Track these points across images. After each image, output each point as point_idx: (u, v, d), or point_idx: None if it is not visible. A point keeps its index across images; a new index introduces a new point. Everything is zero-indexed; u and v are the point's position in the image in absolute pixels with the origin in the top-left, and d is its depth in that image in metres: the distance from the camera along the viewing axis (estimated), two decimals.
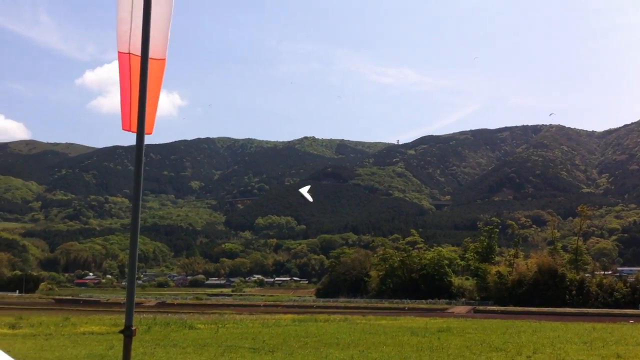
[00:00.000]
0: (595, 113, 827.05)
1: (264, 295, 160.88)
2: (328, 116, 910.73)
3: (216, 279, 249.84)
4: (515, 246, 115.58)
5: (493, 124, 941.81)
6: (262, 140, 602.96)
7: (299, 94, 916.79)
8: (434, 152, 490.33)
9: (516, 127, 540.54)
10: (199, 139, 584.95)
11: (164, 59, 6.52)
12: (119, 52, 6.53)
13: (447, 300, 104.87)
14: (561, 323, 50.00)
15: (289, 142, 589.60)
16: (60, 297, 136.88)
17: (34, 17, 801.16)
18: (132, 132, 6.61)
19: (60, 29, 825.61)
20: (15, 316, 48.58)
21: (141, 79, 6.72)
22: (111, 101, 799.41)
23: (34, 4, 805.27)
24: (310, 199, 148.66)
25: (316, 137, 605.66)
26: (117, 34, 6.50)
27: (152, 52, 6.51)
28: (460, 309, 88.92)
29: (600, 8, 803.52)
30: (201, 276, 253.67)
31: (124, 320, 6.76)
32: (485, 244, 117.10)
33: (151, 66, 6.51)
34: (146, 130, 6.65)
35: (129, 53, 6.49)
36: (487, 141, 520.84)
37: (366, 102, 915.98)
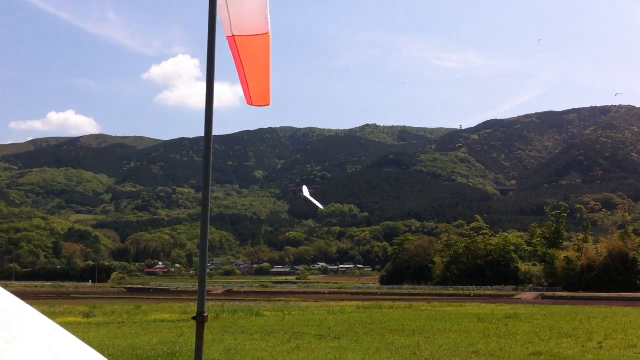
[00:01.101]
0: None
1: (328, 283, 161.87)
2: (389, 103, 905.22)
3: (281, 267, 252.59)
4: (584, 231, 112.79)
5: (559, 106, 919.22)
6: (324, 129, 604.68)
7: (359, 81, 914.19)
8: (499, 136, 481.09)
9: (584, 108, 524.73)
10: (261, 129, 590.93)
11: (268, 33, 6.71)
12: (226, 37, 6.81)
13: (514, 287, 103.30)
14: (633, 308, 48.59)
15: (350, 130, 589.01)
16: (132, 286, 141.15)
17: (102, 14, 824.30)
18: (254, 105, 6.98)
19: (127, 26, 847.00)
20: (89, 305, 50.36)
21: (207, 81, 6.98)
22: (177, 94, 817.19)
23: (101, 3, 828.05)
24: (320, 205, 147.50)
25: (378, 124, 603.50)
26: (220, 20, 6.76)
27: (253, 29, 6.73)
28: (528, 295, 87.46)
29: None
30: (266, 264, 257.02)
31: (193, 308, 7.04)
32: (552, 229, 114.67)
33: (256, 42, 6.74)
34: (264, 102, 6.99)
35: (233, 35, 6.76)
36: (553, 124, 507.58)
37: (428, 87, 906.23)
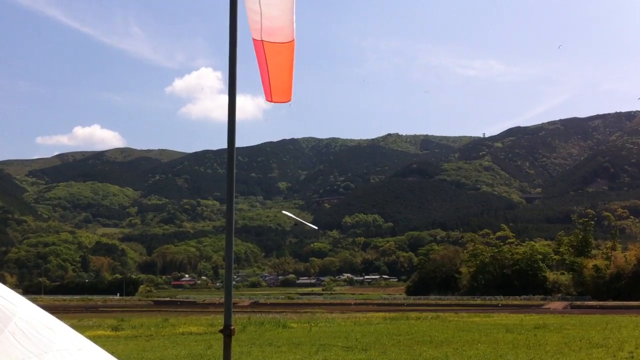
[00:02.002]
0: None
1: (354, 294, 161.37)
2: (411, 112, 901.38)
3: (306, 278, 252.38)
4: (612, 238, 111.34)
5: (584, 112, 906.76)
6: (346, 139, 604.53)
7: (381, 90, 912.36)
8: (523, 143, 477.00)
9: (609, 114, 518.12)
10: (284, 140, 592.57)
11: (293, 40, 7.26)
12: (253, 39, 7.28)
13: (542, 296, 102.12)
14: None
15: (372, 139, 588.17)
16: (159, 299, 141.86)
17: (126, 29, 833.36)
18: (274, 102, 7.65)
19: (150, 39, 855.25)
20: (117, 318, 50.70)
21: (230, 96, 7.02)
22: (200, 107, 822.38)
23: (125, 17, 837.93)
24: (312, 226, 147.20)
25: (400, 133, 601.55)
26: (248, 23, 7.22)
27: (283, 37, 7.23)
28: (557, 304, 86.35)
29: None
30: (292, 276, 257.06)
31: (220, 320, 7.04)
32: (580, 237, 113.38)
33: (283, 48, 7.29)
34: (285, 99, 7.62)
35: (262, 40, 7.24)
36: (578, 130, 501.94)
37: (450, 95, 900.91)
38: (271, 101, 7.56)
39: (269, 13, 7.10)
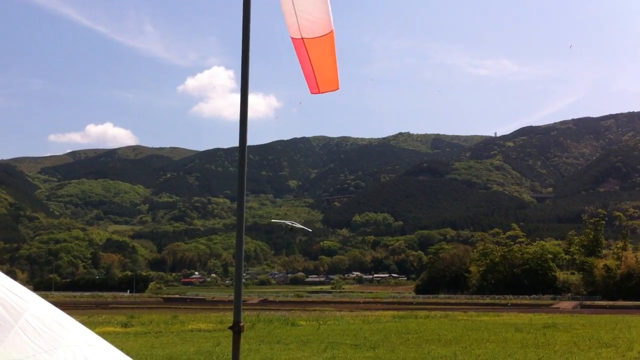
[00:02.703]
0: None
1: (363, 292, 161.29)
2: (422, 111, 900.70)
3: (316, 276, 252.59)
4: (623, 238, 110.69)
5: (596, 112, 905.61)
6: (357, 138, 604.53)
7: (392, 89, 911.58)
8: (534, 143, 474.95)
9: (621, 114, 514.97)
10: (295, 138, 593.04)
11: (332, 30, 7.44)
12: (292, 38, 7.48)
13: (552, 296, 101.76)
14: None
15: (383, 138, 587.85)
16: (168, 296, 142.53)
17: (139, 27, 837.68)
18: (321, 92, 7.78)
19: (163, 38, 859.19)
20: (127, 315, 50.94)
21: (242, 93, 7.06)
22: (211, 106, 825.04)
23: (138, 16, 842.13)
24: (307, 228, 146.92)
25: (411, 132, 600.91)
26: (286, 24, 7.42)
27: (322, 31, 7.41)
28: (566, 304, 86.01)
29: None
30: (301, 274, 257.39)
31: (228, 318, 7.08)
32: (591, 236, 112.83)
33: (324, 41, 7.47)
34: (333, 87, 7.74)
35: (302, 38, 7.43)
36: (590, 130, 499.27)
37: (462, 95, 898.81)
38: (318, 92, 7.75)
39: (304, 9, 7.28)
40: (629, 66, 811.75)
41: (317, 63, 7.57)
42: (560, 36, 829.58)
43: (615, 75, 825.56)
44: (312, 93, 7.78)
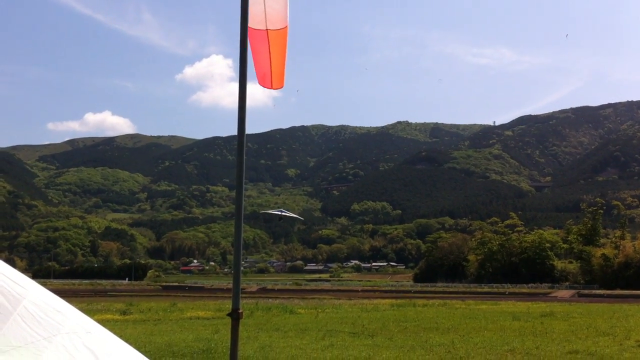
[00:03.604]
0: None
1: (361, 281, 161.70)
2: (421, 100, 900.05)
3: (314, 264, 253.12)
4: (621, 227, 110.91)
5: (595, 101, 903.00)
6: (356, 127, 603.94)
7: (391, 78, 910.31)
8: (533, 132, 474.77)
9: (620, 103, 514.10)
10: (293, 127, 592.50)
11: (287, 26, 7.36)
12: (254, 29, 7.38)
13: (550, 285, 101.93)
14: None
15: (382, 127, 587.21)
16: (167, 284, 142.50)
17: (137, 15, 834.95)
18: (274, 89, 7.69)
19: (161, 26, 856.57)
20: (126, 303, 50.98)
21: (240, 80, 7.05)
22: (210, 95, 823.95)
23: (137, 4, 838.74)
24: (299, 217, 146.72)
25: (410, 121, 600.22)
26: (249, 14, 7.32)
27: (283, 23, 7.33)
28: (564, 293, 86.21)
29: None
30: (300, 262, 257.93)
31: (227, 306, 7.11)
32: (589, 225, 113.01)
33: (283, 35, 7.40)
34: (281, 84, 7.63)
35: (267, 29, 7.36)
36: (589, 119, 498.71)
37: (461, 84, 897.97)
38: (271, 88, 7.65)
39: (274, 1, 7.19)
40: (628, 56, 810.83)
41: (275, 56, 7.47)
42: (559, 25, 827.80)
43: (614, 65, 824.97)
44: (263, 87, 7.68)
